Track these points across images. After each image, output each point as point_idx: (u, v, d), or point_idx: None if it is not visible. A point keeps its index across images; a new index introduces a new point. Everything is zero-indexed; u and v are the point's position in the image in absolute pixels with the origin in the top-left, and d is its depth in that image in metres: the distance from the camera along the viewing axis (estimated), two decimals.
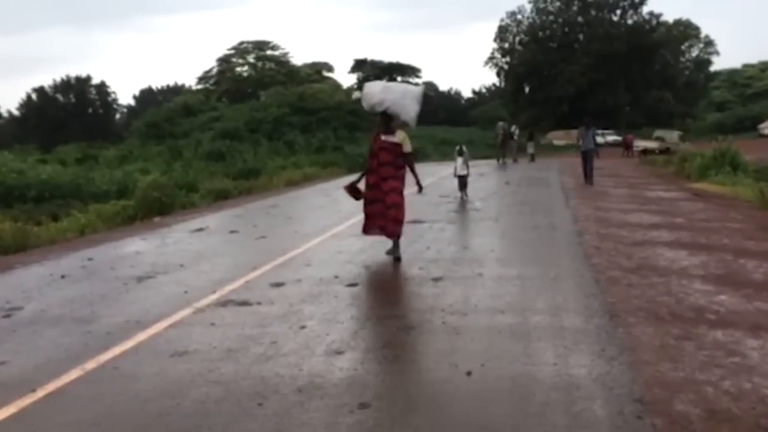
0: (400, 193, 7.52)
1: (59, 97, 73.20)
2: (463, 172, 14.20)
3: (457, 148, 14.90)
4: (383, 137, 7.45)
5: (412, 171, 7.63)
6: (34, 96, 71.82)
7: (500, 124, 29.48)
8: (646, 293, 5.85)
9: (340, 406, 3.66)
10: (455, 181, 14.46)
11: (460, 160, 14.22)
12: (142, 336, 5.12)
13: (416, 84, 15.11)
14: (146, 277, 7.37)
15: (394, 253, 7.62)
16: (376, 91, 7.55)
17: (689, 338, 4.61)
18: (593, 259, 7.34)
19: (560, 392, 3.73)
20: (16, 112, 72.92)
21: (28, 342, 5.19)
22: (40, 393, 4.05)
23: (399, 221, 7.49)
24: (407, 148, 7.51)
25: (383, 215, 7.48)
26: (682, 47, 66.25)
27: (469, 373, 4.06)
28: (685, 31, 66.41)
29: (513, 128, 30.05)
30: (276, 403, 3.74)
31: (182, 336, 5.09)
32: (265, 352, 4.60)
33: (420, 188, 7.89)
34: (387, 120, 7.48)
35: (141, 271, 7.76)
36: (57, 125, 65.40)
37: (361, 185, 7.78)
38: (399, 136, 7.45)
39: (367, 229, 7.80)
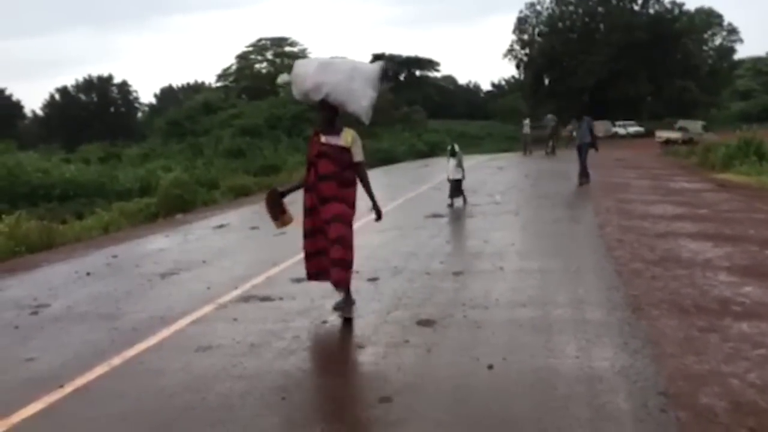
0: (349, 223, 5.20)
1: (82, 96, 74.15)
2: (457, 176, 12.03)
3: (449, 147, 12.63)
4: (323, 138, 5.16)
5: (366, 188, 5.26)
6: (57, 96, 72.83)
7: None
8: (669, 285, 5.79)
9: (362, 400, 3.68)
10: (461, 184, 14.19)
11: (452, 161, 12.08)
12: (166, 332, 5.18)
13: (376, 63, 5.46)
14: (169, 274, 7.46)
15: (344, 311, 5.27)
16: (310, 71, 5.16)
17: (714, 330, 4.56)
18: (615, 252, 7.28)
19: (583, 385, 3.71)
20: (40, 113, 74.02)
21: (55, 338, 5.29)
22: (68, 389, 4.12)
23: (344, 264, 5.13)
24: (358, 154, 5.18)
25: (327, 253, 5.21)
26: (705, 36, 65.19)
27: (490, 367, 4.05)
28: (708, 19, 65.31)
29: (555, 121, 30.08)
30: (299, 397, 3.77)
31: (206, 331, 5.15)
32: (288, 347, 4.64)
33: (378, 214, 5.43)
34: (329, 113, 5.20)
35: (164, 267, 7.85)
36: (80, 125, 66.27)
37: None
38: (346, 137, 5.15)
39: (309, 274, 5.45)
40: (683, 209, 10.47)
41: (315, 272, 5.38)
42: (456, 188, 12.02)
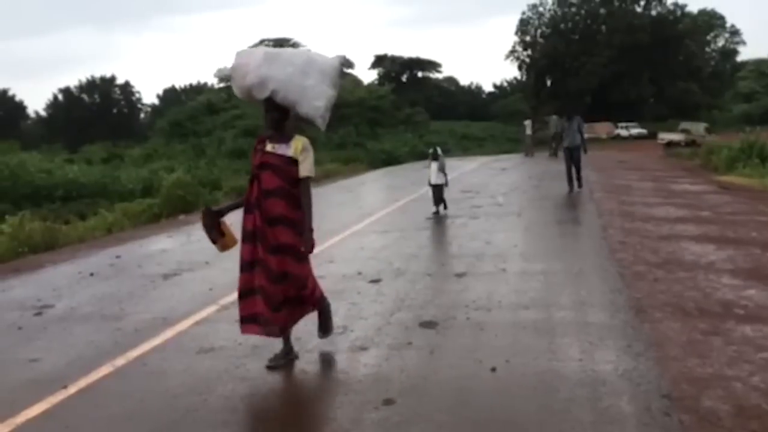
0: (302, 257, 4.26)
1: (85, 97, 74.29)
2: (439, 181, 11.26)
3: (431, 150, 11.89)
4: (269, 146, 4.25)
5: (306, 210, 4.27)
6: (60, 97, 72.98)
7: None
8: (672, 288, 5.79)
9: (364, 402, 3.68)
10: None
11: (434, 165, 11.29)
12: (169, 333, 5.19)
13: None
14: (172, 275, 7.47)
15: (273, 361, 4.34)
16: (253, 62, 4.22)
17: (717, 333, 4.56)
18: (618, 254, 7.27)
19: (586, 388, 3.71)
20: (43, 113, 74.15)
21: (59, 339, 5.30)
22: (72, 389, 4.13)
23: (294, 302, 4.27)
24: (305, 168, 4.23)
25: (263, 292, 4.20)
26: (708, 37, 65.19)
27: (493, 369, 4.06)
28: (710, 21, 65.37)
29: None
30: (301, 400, 3.78)
31: (208, 333, 5.16)
32: None
33: (307, 244, 4.23)
34: (276, 115, 4.26)
35: (167, 268, 7.86)
36: (83, 125, 66.37)
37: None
38: (296, 146, 4.21)
39: (242, 319, 4.35)
40: (686, 212, 10.45)
41: (250, 316, 4.26)
42: (438, 194, 11.28)
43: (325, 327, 4.60)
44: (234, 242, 4.54)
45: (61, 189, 18.38)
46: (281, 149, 4.22)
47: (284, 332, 4.35)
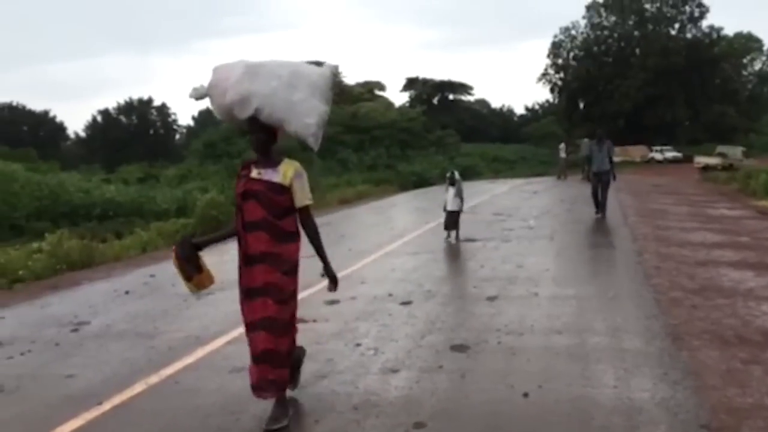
0: (284, 299, 3.76)
1: (122, 118, 76.04)
2: (455, 207, 10.77)
3: (448, 174, 11.35)
4: (255, 172, 3.75)
5: (314, 244, 3.92)
6: (99, 118, 74.81)
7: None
8: (710, 315, 5.66)
9: (395, 425, 3.66)
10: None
11: (451, 191, 10.84)
12: (201, 352, 5.24)
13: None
14: (205, 294, 7.52)
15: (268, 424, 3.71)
16: (233, 77, 3.73)
17: (757, 362, 4.44)
18: (654, 279, 7.15)
19: (621, 416, 3.64)
20: (82, 134, 76.06)
21: (94, 356, 5.38)
22: (107, 406, 4.19)
23: (274, 359, 3.71)
24: (301, 196, 3.77)
25: (250, 342, 3.78)
26: (744, 60, 64.23)
27: (526, 395, 4.00)
28: (747, 43, 64.43)
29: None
30: (332, 421, 3.77)
31: (240, 352, 5.16)
32: (321, 370, 4.65)
33: (333, 281, 4.03)
34: (262, 136, 3.77)
35: None
36: (120, 146, 67.88)
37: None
38: (285, 171, 3.73)
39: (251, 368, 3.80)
40: (723, 237, 10.25)
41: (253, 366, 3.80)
42: (452, 220, 10.77)
43: (292, 378, 4.06)
44: (211, 281, 4.07)
45: (99, 208, 18.79)
46: (268, 175, 3.70)
47: (267, 390, 3.72)
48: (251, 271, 3.70)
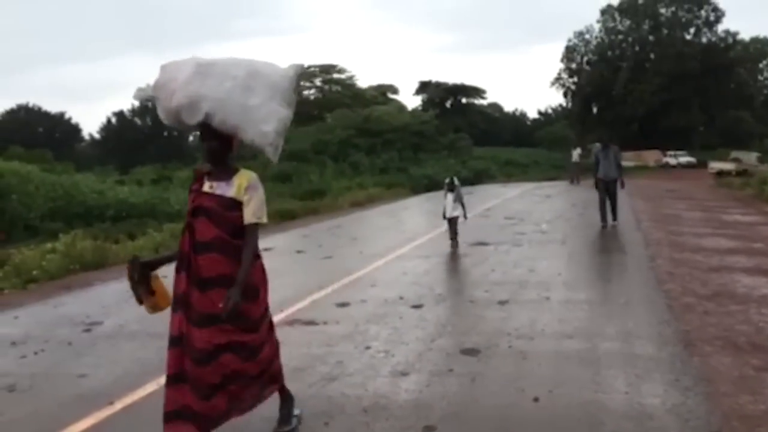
0: (249, 327, 3.32)
1: (137, 120, 76.56)
2: (455, 214, 10.39)
3: (447, 180, 10.74)
4: (207, 185, 3.35)
5: (244, 265, 3.23)
6: (113, 120, 75.39)
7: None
8: (723, 321, 5.62)
9: (405, 428, 3.66)
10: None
11: (450, 197, 10.40)
12: None
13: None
14: None
15: None
16: (182, 78, 3.32)
17: None
18: (666, 285, 7.10)
19: (632, 422, 3.62)
20: (97, 135, 76.66)
21: (107, 355, 5.43)
22: (118, 405, 4.22)
23: (232, 391, 3.30)
24: (251, 211, 3.30)
25: (190, 377, 3.24)
26: (760, 65, 63.74)
27: (536, 399, 3.99)
28: (763, 48, 63.90)
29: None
30: (342, 423, 3.78)
31: None
32: (331, 372, 4.66)
33: (228, 303, 3.11)
34: (215, 145, 3.36)
35: None
36: (135, 147, 68.31)
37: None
38: (239, 184, 3.33)
39: (167, 414, 3.26)
40: (737, 243, 10.16)
41: (174, 411, 3.22)
42: (453, 228, 10.43)
43: (285, 417, 3.69)
44: (167, 302, 3.55)
45: (112, 209, 18.91)
46: (221, 188, 3.30)
47: (221, 422, 3.32)
48: (205, 297, 3.23)
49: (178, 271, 3.34)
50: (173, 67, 3.41)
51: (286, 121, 3.42)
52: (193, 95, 3.26)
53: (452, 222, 10.41)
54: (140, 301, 3.62)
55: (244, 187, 3.29)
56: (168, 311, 3.44)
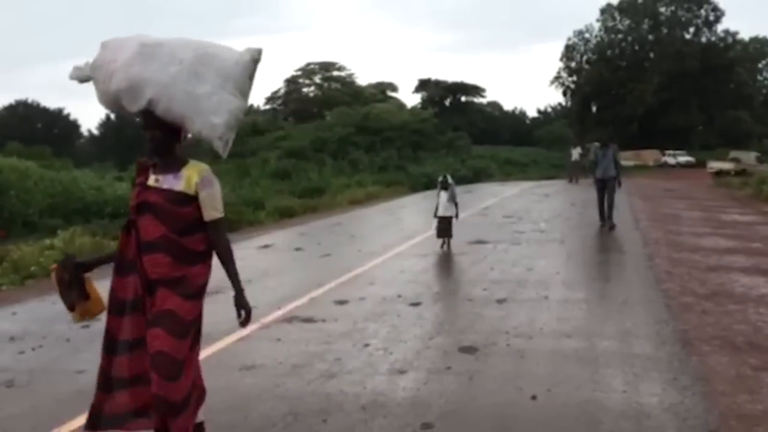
0: (183, 332, 3.05)
1: (136, 117, 76.53)
2: (448, 213, 10.01)
3: (440, 178, 10.43)
4: (152, 179, 3.05)
5: (226, 266, 3.18)
6: (112, 116, 75.26)
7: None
8: (721, 321, 5.63)
9: (403, 426, 3.66)
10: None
11: (444, 195, 10.05)
12: (211, 349, 5.25)
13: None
14: (215, 292, 7.51)
15: None
16: (123, 58, 3.01)
17: None
18: (665, 284, 7.11)
19: (630, 421, 3.62)
20: (95, 132, 76.57)
21: None
22: None
23: (166, 409, 2.98)
24: (210, 207, 3.07)
25: (140, 381, 3.08)
26: (759, 65, 63.77)
27: (534, 398, 4.00)
28: (762, 48, 63.91)
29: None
30: (340, 421, 3.78)
31: (250, 350, 5.21)
32: (330, 369, 4.66)
33: (244, 314, 3.17)
34: (161, 135, 3.07)
35: (210, 285, 7.91)
36: (133, 144, 68.20)
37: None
38: (189, 177, 3.04)
39: (91, 416, 3.11)
40: (736, 242, 10.18)
41: (100, 410, 3.11)
42: (445, 227, 10.00)
43: None
44: (101, 308, 3.28)
45: (110, 206, 18.85)
46: (167, 182, 3.00)
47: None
48: (154, 301, 3.04)
49: (121, 274, 3.09)
50: (115, 45, 3.08)
51: (239, 113, 3.07)
52: (135, 79, 2.95)
53: (444, 221, 10.02)
54: (71, 308, 3.25)
55: (196, 182, 3.01)
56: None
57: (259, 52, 3.10)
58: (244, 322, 3.13)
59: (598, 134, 24.26)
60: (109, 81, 3.02)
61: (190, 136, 3.13)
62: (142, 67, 2.95)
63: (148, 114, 3.02)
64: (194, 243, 3.05)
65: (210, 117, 2.97)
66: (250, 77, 3.11)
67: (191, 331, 3.09)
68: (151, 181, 3.03)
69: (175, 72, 2.96)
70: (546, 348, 5.00)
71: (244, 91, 3.10)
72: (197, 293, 3.13)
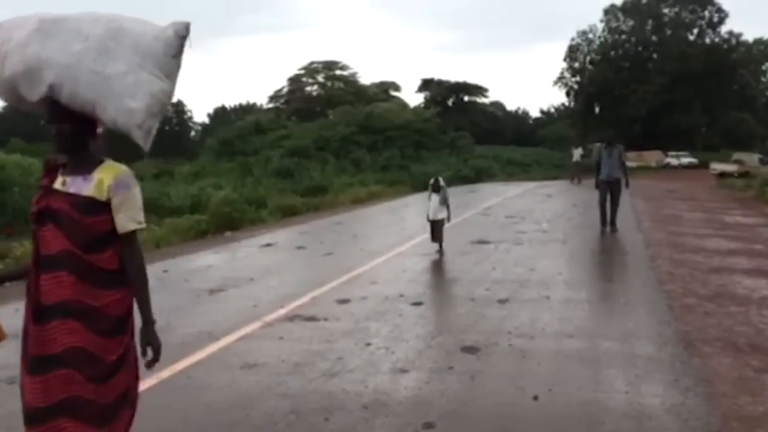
0: (100, 374, 2.43)
1: None
2: (440, 216, 9.70)
3: (432, 181, 10.05)
4: (59, 181, 2.48)
5: (137, 289, 2.53)
6: None
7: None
8: (723, 322, 5.62)
9: (405, 425, 3.67)
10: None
11: (435, 198, 9.71)
12: (213, 347, 5.27)
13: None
14: (218, 290, 7.59)
15: None
16: (18, 37, 2.46)
17: None
18: (667, 285, 7.11)
19: (631, 422, 3.63)
20: (99, 130, 76.68)
21: None
22: None
23: None
24: (125, 216, 2.47)
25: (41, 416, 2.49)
26: (763, 67, 63.66)
27: (536, 398, 4.00)
28: (766, 50, 63.80)
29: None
30: (342, 419, 3.79)
31: (252, 349, 5.22)
32: (332, 368, 4.66)
33: (152, 352, 2.55)
34: (69, 129, 2.48)
35: (213, 284, 8.00)
36: (137, 142, 68.30)
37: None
38: (101, 180, 2.45)
39: None
40: (738, 244, 10.17)
41: None
42: (437, 230, 9.71)
43: None
44: (2, 337, 2.83)
45: None
46: (75, 185, 2.45)
47: None
48: (43, 332, 2.43)
49: (28, 293, 2.53)
50: (11, 24, 2.56)
51: (162, 96, 2.51)
52: (32, 60, 2.41)
53: (436, 224, 9.73)
54: None
55: (108, 185, 2.44)
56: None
57: (185, 26, 2.56)
58: (151, 363, 2.54)
59: (602, 134, 24.27)
60: (2, 66, 2.48)
61: (100, 130, 2.62)
62: (40, 46, 2.42)
63: (53, 103, 2.46)
64: (105, 260, 2.44)
65: (125, 101, 2.42)
66: (175, 56, 2.55)
67: (119, 375, 2.48)
68: (58, 183, 2.47)
69: (81, 50, 2.42)
70: (548, 348, 5.00)
71: (169, 72, 2.54)
72: (117, 328, 2.49)
